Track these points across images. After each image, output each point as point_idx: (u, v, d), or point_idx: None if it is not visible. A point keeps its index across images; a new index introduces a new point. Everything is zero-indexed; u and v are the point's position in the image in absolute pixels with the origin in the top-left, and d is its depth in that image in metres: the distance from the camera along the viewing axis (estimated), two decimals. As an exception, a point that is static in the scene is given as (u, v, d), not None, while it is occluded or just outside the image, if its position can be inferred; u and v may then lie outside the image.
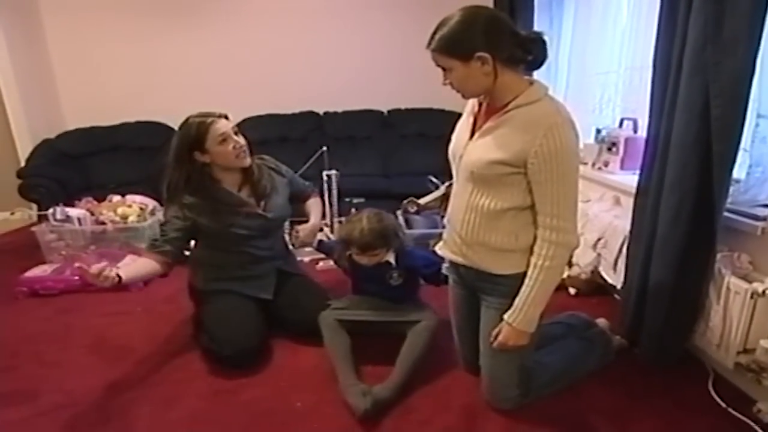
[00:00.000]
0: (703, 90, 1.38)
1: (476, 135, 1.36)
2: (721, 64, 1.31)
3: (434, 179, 2.14)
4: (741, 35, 1.27)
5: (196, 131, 1.76)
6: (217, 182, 1.84)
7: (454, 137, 1.49)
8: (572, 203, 1.31)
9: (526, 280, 1.35)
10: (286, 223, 2.17)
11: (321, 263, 2.68)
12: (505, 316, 1.38)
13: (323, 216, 2.66)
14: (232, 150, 1.79)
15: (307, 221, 2.11)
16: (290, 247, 2.17)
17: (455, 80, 1.29)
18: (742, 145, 1.43)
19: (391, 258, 1.79)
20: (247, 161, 1.86)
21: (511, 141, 1.28)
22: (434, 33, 1.26)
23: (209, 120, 1.77)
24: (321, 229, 2.53)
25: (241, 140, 1.83)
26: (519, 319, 1.36)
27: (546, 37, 1.28)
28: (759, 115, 1.50)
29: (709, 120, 1.37)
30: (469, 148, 1.38)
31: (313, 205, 2.18)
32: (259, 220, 1.88)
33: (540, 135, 1.22)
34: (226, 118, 1.83)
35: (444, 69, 1.29)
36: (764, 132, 1.50)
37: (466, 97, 1.40)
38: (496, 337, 1.41)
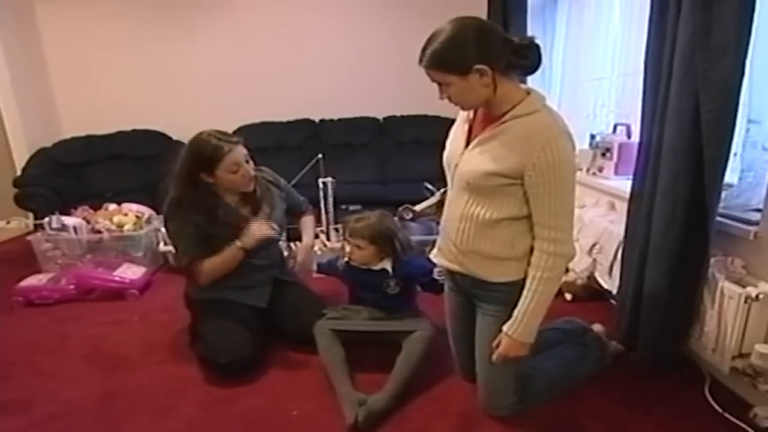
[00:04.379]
0: (694, 96, 1.39)
1: (472, 144, 1.36)
2: (710, 71, 1.33)
3: (430, 186, 2.15)
4: (729, 42, 1.28)
5: (211, 156, 1.72)
6: (219, 197, 1.82)
7: (448, 144, 1.49)
8: (569, 214, 1.31)
9: (525, 292, 1.35)
10: (283, 236, 2.17)
11: (317, 270, 2.67)
12: (504, 328, 1.38)
13: (319, 223, 2.67)
14: (240, 178, 1.78)
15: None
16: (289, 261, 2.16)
17: (454, 94, 1.28)
18: (734, 150, 1.44)
19: (387, 266, 1.80)
20: (251, 187, 1.84)
21: (508, 153, 1.27)
22: (425, 49, 1.24)
23: (226, 148, 1.72)
24: (317, 236, 2.53)
25: (251, 169, 1.81)
26: (519, 330, 1.35)
27: (539, 41, 1.28)
28: (749, 120, 1.52)
29: (700, 125, 1.39)
30: (464, 158, 1.38)
31: (307, 223, 2.17)
32: None
33: (538, 148, 1.22)
34: (241, 143, 1.79)
35: (440, 84, 1.27)
36: (755, 137, 1.52)
37: (465, 109, 1.40)
38: (496, 348, 1.41)
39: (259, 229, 1.80)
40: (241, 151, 1.77)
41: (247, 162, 1.80)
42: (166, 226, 1.88)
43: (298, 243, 2.54)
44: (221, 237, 1.80)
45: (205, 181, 1.77)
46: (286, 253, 2.27)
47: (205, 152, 1.72)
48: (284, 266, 2.12)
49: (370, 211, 1.84)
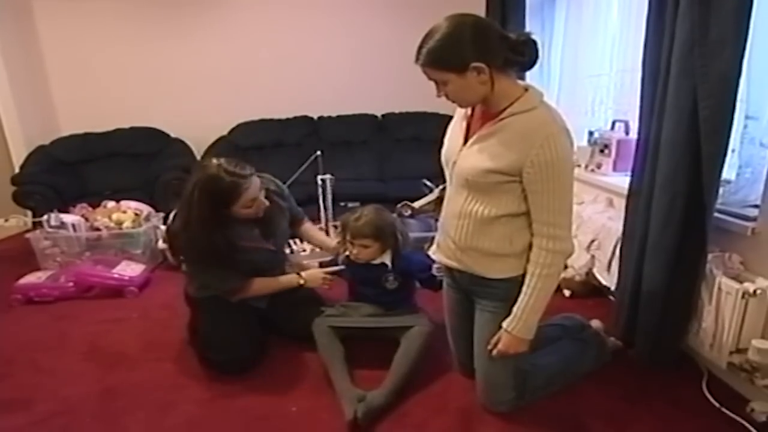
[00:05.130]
0: (692, 92, 1.39)
1: (470, 141, 1.36)
2: (708, 67, 1.33)
3: (429, 183, 2.15)
4: (727, 38, 1.28)
5: (228, 196, 1.66)
6: (230, 220, 1.76)
7: (446, 141, 1.48)
8: (567, 211, 1.31)
9: (524, 288, 1.35)
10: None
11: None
12: (504, 324, 1.38)
13: (318, 220, 2.68)
14: (255, 210, 1.76)
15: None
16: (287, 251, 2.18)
17: (451, 92, 1.27)
18: (732, 146, 1.44)
19: (386, 260, 1.81)
20: (261, 213, 1.81)
21: (506, 150, 1.27)
22: (421, 47, 1.23)
23: (244, 186, 1.66)
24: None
25: (264, 199, 1.78)
26: (518, 327, 1.36)
27: (535, 37, 1.27)
28: (747, 117, 1.52)
29: (698, 121, 1.38)
30: (463, 155, 1.38)
31: (312, 228, 2.18)
32: (267, 254, 1.89)
33: (536, 145, 1.22)
34: (255, 174, 1.74)
35: (437, 82, 1.27)
36: (753, 133, 1.52)
37: (463, 106, 1.39)
38: (495, 345, 1.41)
39: (320, 277, 1.91)
40: (256, 185, 1.72)
41: (260, 190, 1.76)
42: (186, 264, 1.87)
43: (297, 241, 2.55)
44: (232, 258, 1.77)
45: (219, 213, 1.72)
46: (288, 251, 2.27)
47: (220, 191, 1.65)
48: (284, 265, 2.12)
49: (368, 206, 1.83)
